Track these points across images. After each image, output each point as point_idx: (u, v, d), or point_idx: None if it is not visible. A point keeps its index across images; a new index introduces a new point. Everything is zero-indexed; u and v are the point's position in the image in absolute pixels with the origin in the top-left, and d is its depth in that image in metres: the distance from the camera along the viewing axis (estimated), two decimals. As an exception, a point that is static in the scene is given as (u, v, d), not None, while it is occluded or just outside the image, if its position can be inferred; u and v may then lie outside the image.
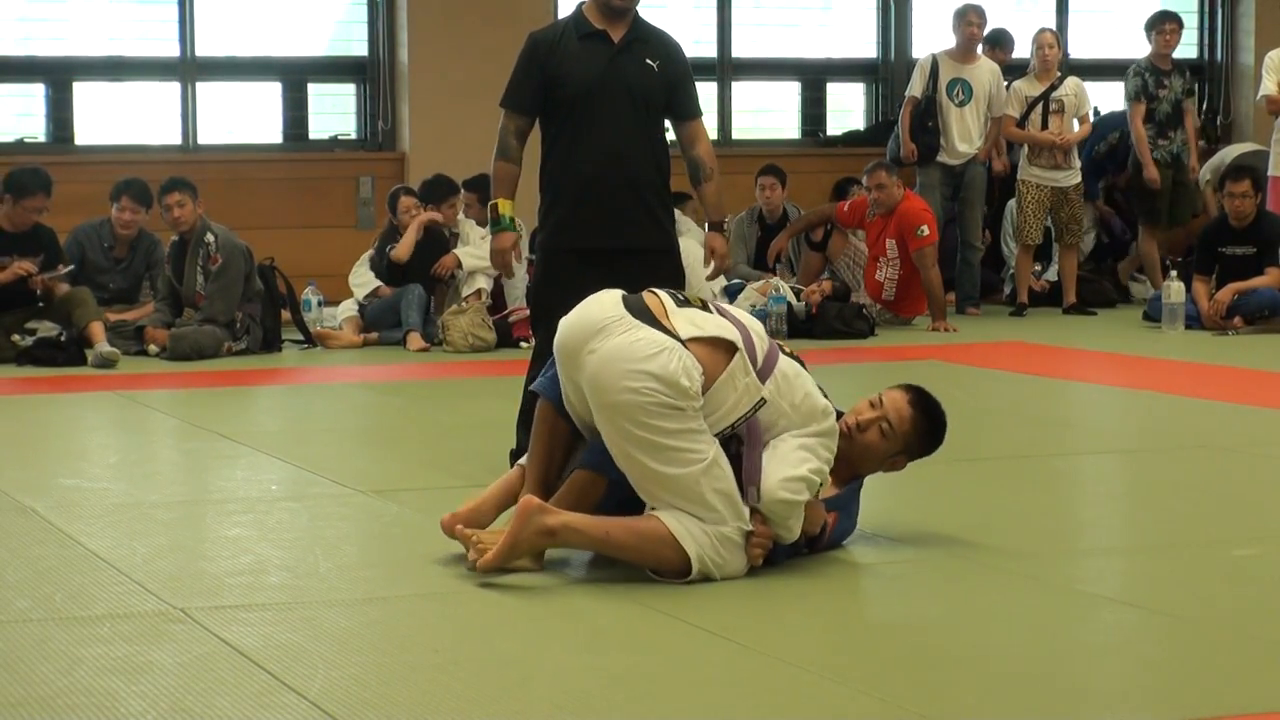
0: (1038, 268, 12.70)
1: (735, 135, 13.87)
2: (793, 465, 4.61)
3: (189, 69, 12.70)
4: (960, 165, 12.14)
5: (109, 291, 10.61)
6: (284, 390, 9.39)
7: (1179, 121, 12.44)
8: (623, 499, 4.65)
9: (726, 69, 13.80)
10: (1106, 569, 4.94)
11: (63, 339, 9.82)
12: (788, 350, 4.81)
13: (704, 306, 4.75)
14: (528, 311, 9.03)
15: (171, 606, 4.40)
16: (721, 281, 11.42)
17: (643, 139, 6.22)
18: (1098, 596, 4.58)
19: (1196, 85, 12.69)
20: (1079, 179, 12.25)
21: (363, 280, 11.07)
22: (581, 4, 6.31)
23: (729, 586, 4.54)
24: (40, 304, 10.11)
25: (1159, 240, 12.52)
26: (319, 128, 13.14)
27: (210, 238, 10.20)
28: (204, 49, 12.73)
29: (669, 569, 4.56)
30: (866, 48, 14.24)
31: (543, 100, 6.20)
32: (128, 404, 8.40)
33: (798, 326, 10.94)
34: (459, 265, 11.01)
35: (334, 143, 13.15)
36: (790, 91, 14.18)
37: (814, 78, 14.15)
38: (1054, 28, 13.39)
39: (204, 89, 12.78)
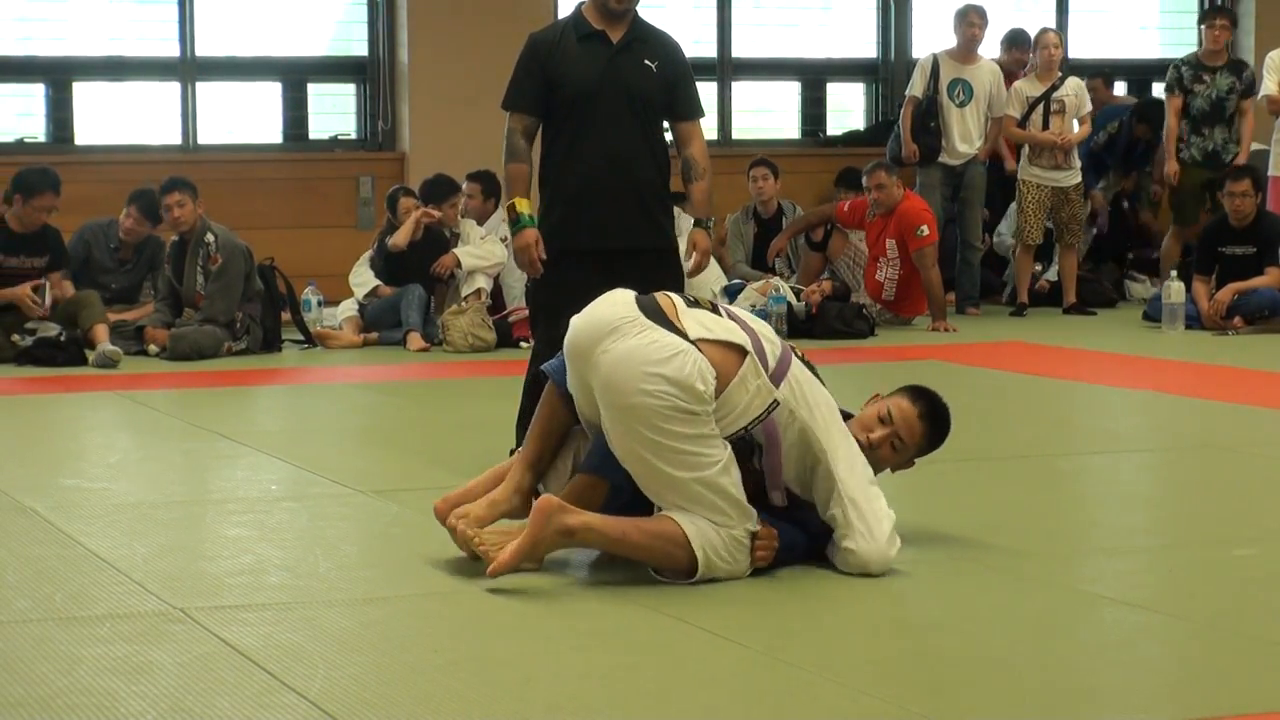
0: (1038, 268, 12.70)
1: (735, 135, 13.87)
2: (881, 520, 4.63)
3: (189, 69, 12.70)
4: (960, 165, 12.15)
5: (110, 291, 10.61)
6: (284, 390, 9.39)
7: (1219, 119, 12.30)
8: (625, 504, 4.65)
9: (726, 69, 13.80)
10: (1107, 569, 4.94)
11: (62, 339, 9.82)
12: (799, 353, 4.80)
13: (713, 309, 4.74)
14: (527, 311, 9.03)
15: (171, 606, 4.40)
16: (722, 281, 11.44)
17: (642, 139, 6.22)
18: (1098, 596, 4.57)
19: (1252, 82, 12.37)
20: (1079, 179, 12.25)
21: (363, 280, 11.07)
22: (581, 4, 6.31)
23: (730, 587, 4.54)
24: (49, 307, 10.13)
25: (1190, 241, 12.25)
26: (319, 128, 13.14)
27: (210, 238, 10.20)
28: (204, 49, 12.74)
29: (675, 568, 4.56)
30: (866, 48, 14.24)
31: (545, 100, 6.20)
32: (128, 404, 8.40)
33: (798, 326, 10.94)
34: (458, 265, 11.01)
35: (334, 143, 13.16)
36: (790, 91, 14.19)
37: (814, 78, 14.15)
38: (1054, 28, 13.38)
39: (204, 89, 12.78)
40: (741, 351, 4.58)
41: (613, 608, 4.40)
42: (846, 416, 4.91)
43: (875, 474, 4.94)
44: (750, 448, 4.65)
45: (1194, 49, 12.79)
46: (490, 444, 6.47)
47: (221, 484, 6.44)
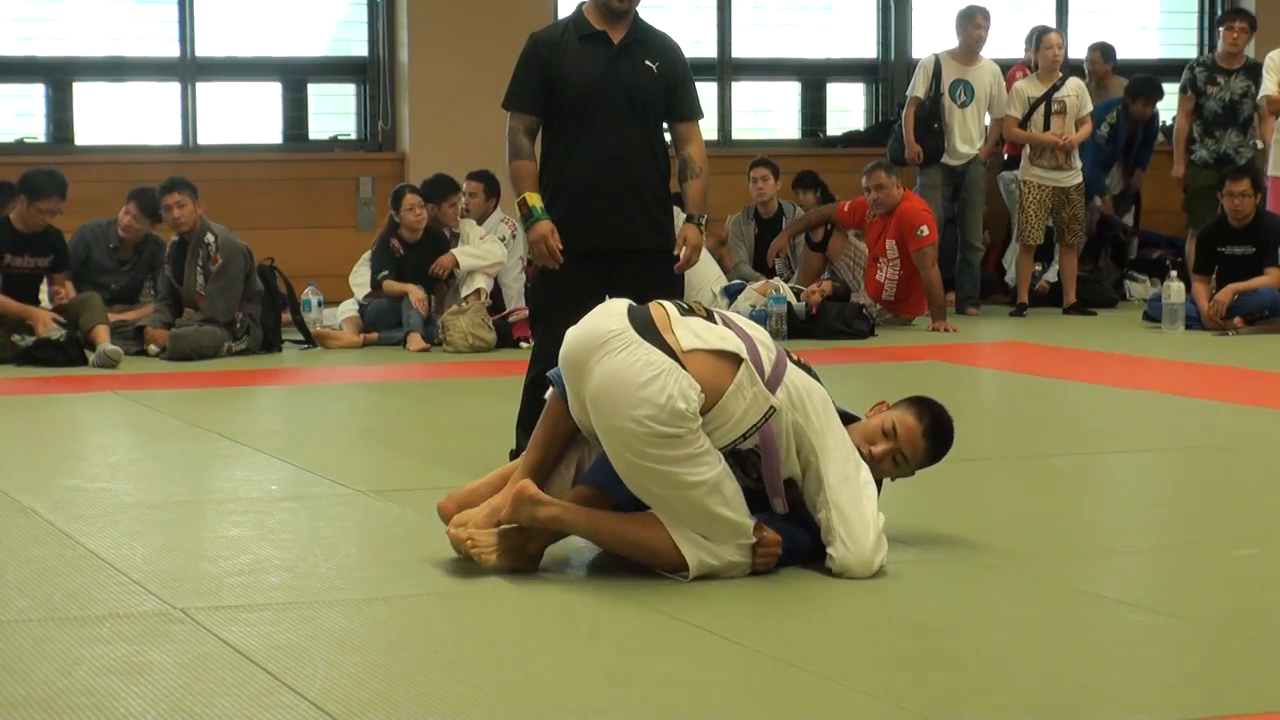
0: (1038, 268, 12.70)
1: (735, 135, 13.87)
2: (866, 527, 4.61)
3: (189, 69, 12.71)
4: (961, 166, 12.15)
5: (110, 291, 10.61)
6: (284, 390, 9.39)
7: (1231, 122, 12.26)
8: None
9: (726, 69, 13.80)
10: (1107, 569, 4.94)
11: (63, 339, 9.83)
12: (795, 357, 4.79)
13: (709, 316, 4.73)
14: (527, 312, 9.03)
15: (171, 606, 4.40)
16: (722, 281, 11.44)
17: (642, 140, 6.22)
18: (1098, 596, 4.57)
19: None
20: (1080, 179, 12.25)
21: (363, 280, 11.07)
22: (582, 4, 6.30)
23: (730, 586, 4.54)
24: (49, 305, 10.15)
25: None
26: (319, 128, 13.14)
27: (210, 238, 10.20)
28: (204, 49, 12.74)
29: (665, 566, 4.57)
30: (866, 48, 14.24)
31: (546, 100, 6.20)
32: (128, 404, 8.40)
33: (798, 327, 10.95)
34: (456, 265, 11.01)
35: (334, 143, 13.16)
36: (790, 92, 14.19)
37: (814, 78, 14.15)
38: (1054, 28, 13.39)
39: (204, 89, 12.79)
40: (736, 360, 4.57)
41: (613, 608, 4.40)
42: (850, 419, 4.91)
43: (880, 482, 4.95)
44: (748, 459, 4.63)
45: (1193, 50, 12.78)
46: (490, 444, 6.47)
47: (221, 484, 6.44)
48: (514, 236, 11.26)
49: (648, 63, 6.21)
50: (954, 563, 4.88)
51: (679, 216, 6.58)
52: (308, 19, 13.11)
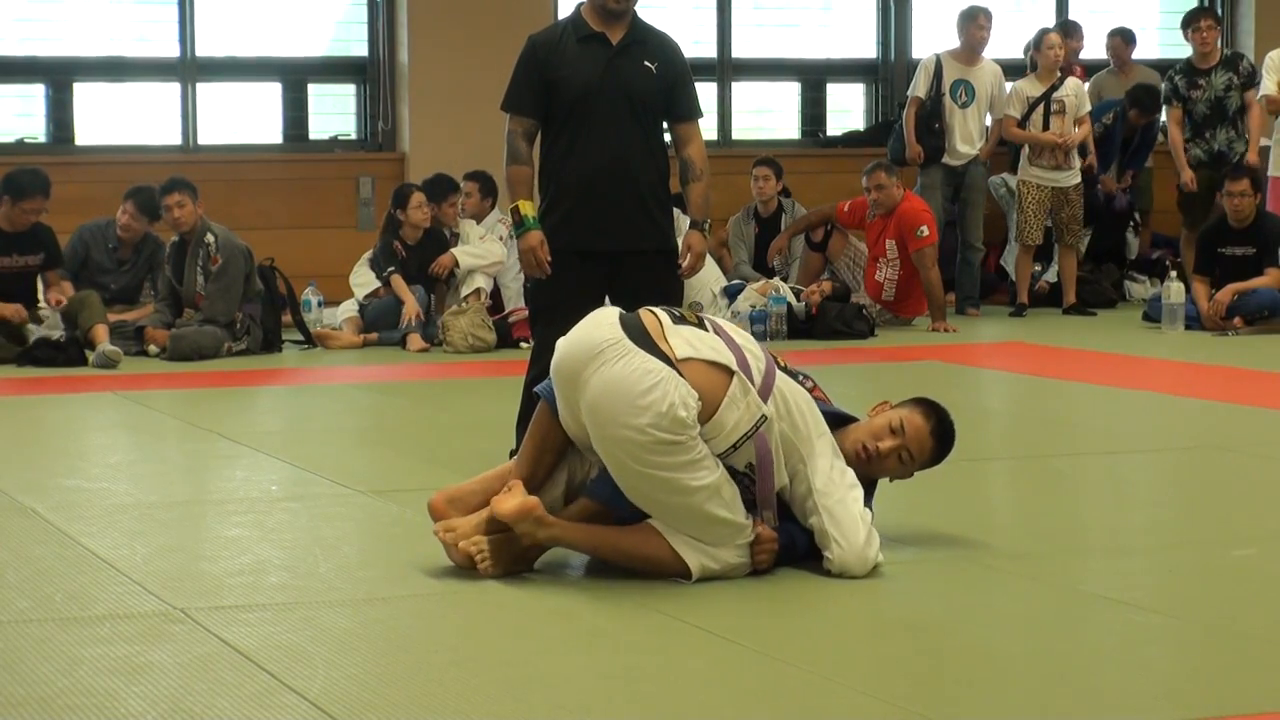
0: (1038, 268, 12.70)
1: (735, 135, 13.86)
2: (857, 525, 4.62)
3: (189, 69, 12.70)
4: (961, 166, 12.16)
5: (110, 292, 10.61)
6: (284, 390, 9.39)
7: (1221, 119, 12.21)
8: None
9: (726, 69, 13.80)
10: (1107, 569, 4.93)
11: (62, 339, 9.83)
12: (782, 364, 4.79)
13: (699, 324, 4.72)
14: (527, 312, 9.03)
15: (171, 606, 4.40)
16: (721, 282, 11.44)
17: (641, 141, 6.22)
18: (1098, 596, 4.57)
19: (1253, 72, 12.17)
20: (1079, 179, 12.25)
21: (363, 280, 11.07)
22: (580, 5, 6.30)
23: (730, 586, 4.54)
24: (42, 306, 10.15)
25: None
26: (319, 128, 13.14)
27: (210, 238, 10.20)
28: (204, 49, 12.73)
29: (667, 574, 4.57)
30: (866, 48, 14.24)
31: (545, 102, 6.20)
32: (128, 404, 8.40)
33: (798, 327, 10.94)
34: (456, 265, 11.01)
35: (334, 143, 13.15)
36: (790, 92, 14.18)
37: (814, 78, 14.14)
38: (1054, 28, 13.38)
39: (204, 89, 12.78)
40: (729, 372, 4.57)
41: (612, 608, 4.40)
42: (848, 420, 4.91)
43: (875, 477, 4.95)
44: (741, 481, 4.62)
45: (1193, 50, 12.74)
46: (490, 444, 6.47)
47: (221, 484, 6.44)
48: (512, 237, 11.25)
49: (646, 63, 6.21)
50: (954, 563, 4.88)
51: (679, 218, 6.58)
52: (308, 19, 13.10)
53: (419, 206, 10.95)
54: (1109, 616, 4.39)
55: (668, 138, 6.40)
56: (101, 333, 9.78)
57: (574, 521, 4.68)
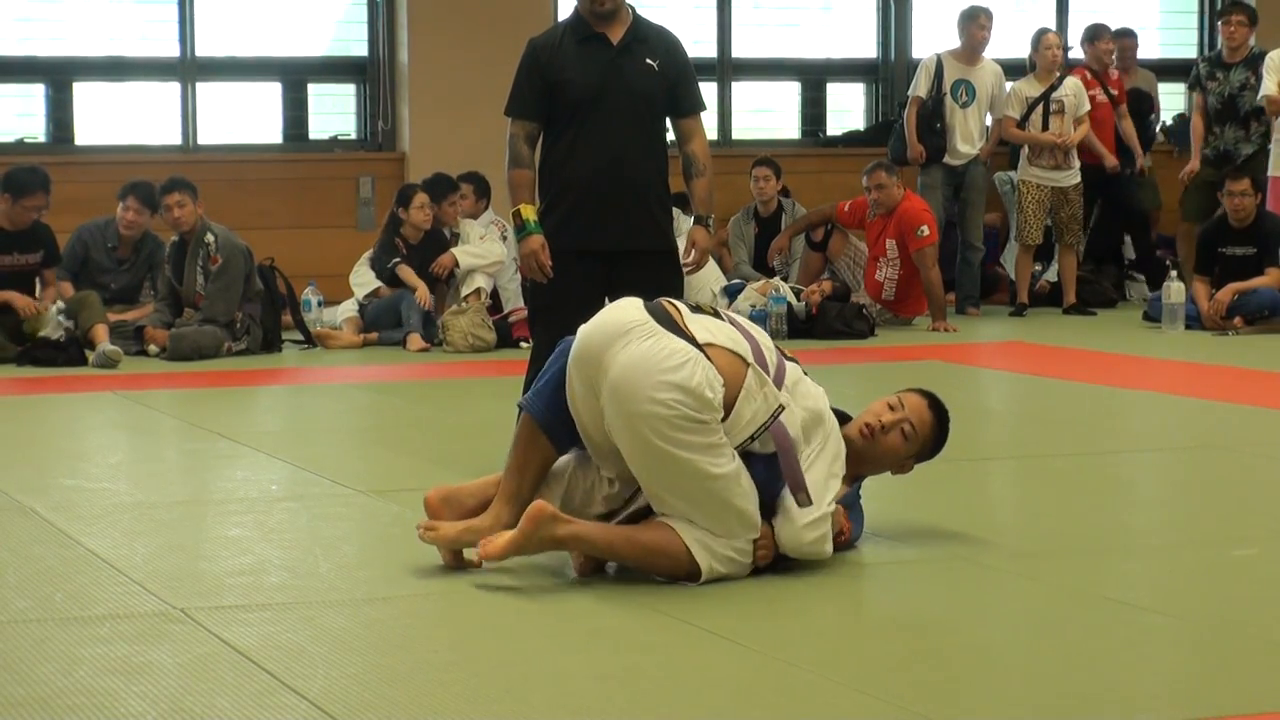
0: (1038, 268, 12.70)
1: (735, 135, 13.87)
2: (814, 506, 4.61)
3: (189, 69, 12.71)
4: (962, 166, 12.16)
5: (110, 291, 10.61)
6: (284, 390, 9.39)
7: (1231, 116, 12.08)
8: None
9: (726, 69, 13.80)
10: (1106, 569, 4.93)
11: (63, 339, 9.83)
12: (789, 355, 4.81)
13: (715, 315, 4.74)
14: (527, 312, 9.03)
15: (171, 606, 4.40)
16: (722, 281, 11.44)
17: (644, 140, 6.22)
18: (1099, 596, 4.57)
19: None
20: (1079, 179, 12.25)
21: (363, 280, 11.07)
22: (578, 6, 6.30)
23: (730, 587, 4.54)
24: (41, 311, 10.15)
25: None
26: (319, 128, 13.14)
27: (210, 238, 10.20)
28: (204, 49, 12.74)
29: (678, 572, 4.57)
30: (866, 48, 14.24)
31: (547, 104, 6.19)
32: (128, 404, 8.40)
33: (798, 326, 10.95)
34: (456, 265, 11.01)
35: (334, 143, 13.15)
36: (790, 91, 14.19)
37: (814, 78, 14.15)
38: (1054, 28, 13.40)
39: (204, 89, 12.79)
40: (744, 362, 4.58)
41: (612, 608, 4.40)
42: (845, 418, 4.92)
43: (877, 470, 4.97)
44: (751, 457, 4.62)
45: (1193, 50, 12.76)
46: (490, 444, 6.47)
47: (221, 484, 6.44)
48: (504, 238, 11.27)
49: (648, 61, 6.21)
50: (954, 563, 4.88)
51: (678, 217, 6.58)
52: (308, 19, 13.11)
53: (421, 207, 10.95)
54: (1109, 616, 4.39)
55: (669, 136, 6.40)
56: (102, 333, 9.79)
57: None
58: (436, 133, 12.65)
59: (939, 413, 4.96)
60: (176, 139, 12.75)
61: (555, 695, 3.71)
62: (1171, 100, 14.28)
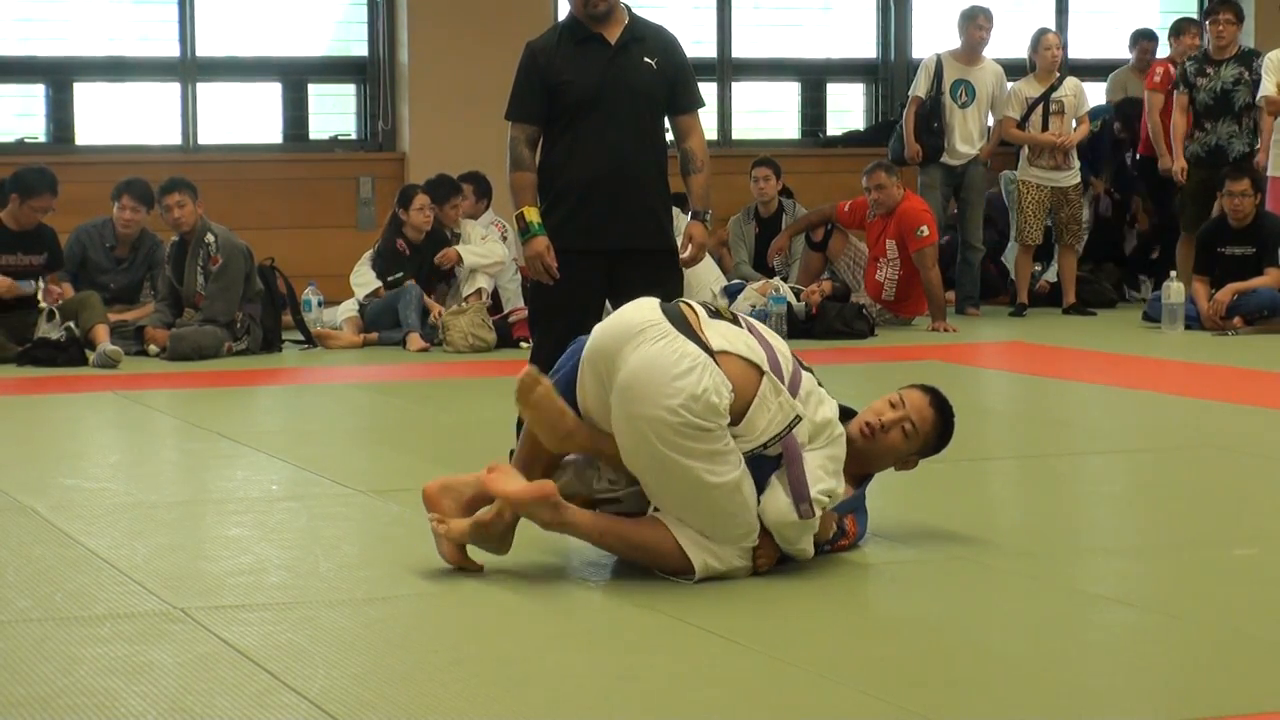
0: (1038, 268, 12.70)
1: (735, 135, 13.88)
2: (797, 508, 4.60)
3: (189, 69, 12.71)
4: (961, 166, 12.16)
5: (109, 291, 10.61)
6: (284, 390, 9.39)
7: (1224, 112, 11.94)
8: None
9: (726, 69, 13.80)
10: (1106, 569, 4.94)
11: (63, 339, 9.83)
12: (806, 365, 4.80)
13: (734, 320, 4.73)
14: (527, 312, 9.03)
15: (171, 606, 4.40)
16: (722, 281, 11.44)
17: (644, 139, 6.22)
18: (1098, 596, 4.58)
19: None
20: (1079, 179, 12.26)
21: (363, 280, 11.07)
22: (575, 8, 6.31)
23: (730, 586, 4.54)
24: (43, 305, 10.15)
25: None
26: (319, 128, 13.15)
27: (210, 238, 10.21)
28: (204, 49, 12.74)
29: (669, 569, 4.57)
30: (866, 48, 14.25)
31: (547, 107, 6.19)
32: (128, 404, 8.40)
33: (798, 326, 10.94)
34: (460, 261, 11.02)
35: (334, 143, 13.16)
36: (790, 92, 14.19)
37: (814, 78, 14.15)
38: (1054, 28, 13.40)
39: (204, 89, 12.79)
40: (759, 370, 4.57)
41: (613, 607, 4.40)
42: (850, 415, 4.92)
43: (880, 468, 4.97)
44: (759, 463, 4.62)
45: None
46: (490, 444, 6.47)
47: (221, 484, 6.44)
48: (504, 239, 11.27)
49: (647, 59, 6.22)
50: (954, 563, 4.88)
51: (679, 217, 6.58)
52: (308, 19, 13.11)
53: (422, 208, 10.96)
54: (1109, 616, 4.39)
55: (669, 137, 6.40)
56: (102, 333, 9.79)
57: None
58: (436, 133, 12.65)
59: (941, 409, 4.96)
60: (177, 139, 12.75)
61: (555, 695, 3.71)
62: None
